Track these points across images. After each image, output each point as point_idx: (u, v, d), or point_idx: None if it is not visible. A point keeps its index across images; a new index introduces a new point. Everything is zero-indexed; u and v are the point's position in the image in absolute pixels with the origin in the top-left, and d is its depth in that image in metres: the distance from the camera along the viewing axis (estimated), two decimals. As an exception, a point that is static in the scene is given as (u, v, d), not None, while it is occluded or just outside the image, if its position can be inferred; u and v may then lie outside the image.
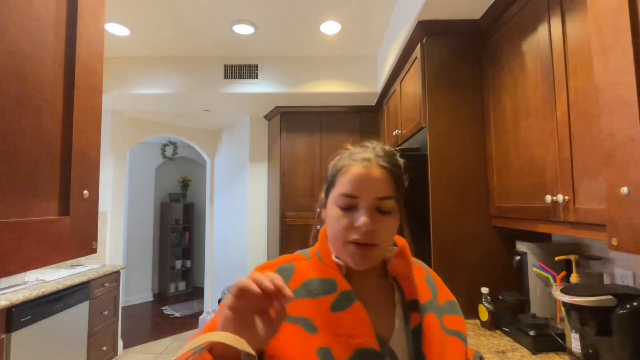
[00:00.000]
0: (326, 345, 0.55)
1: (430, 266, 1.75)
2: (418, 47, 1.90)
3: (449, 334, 0.64)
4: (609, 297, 1.00)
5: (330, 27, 2.56)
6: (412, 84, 2.06)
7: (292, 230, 3.31)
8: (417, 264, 0.74)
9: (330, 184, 0.66)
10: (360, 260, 0.59)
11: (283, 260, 0.67)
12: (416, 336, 0.61)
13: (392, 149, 0.67)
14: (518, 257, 1.54)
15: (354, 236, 0.59)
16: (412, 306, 0.63)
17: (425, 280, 0.71)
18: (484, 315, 1.57)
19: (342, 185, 0.62)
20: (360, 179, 0.60)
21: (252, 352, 0.44)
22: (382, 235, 0.60)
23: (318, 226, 0.71)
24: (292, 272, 0.64)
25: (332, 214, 0.63)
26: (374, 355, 0.56)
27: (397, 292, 0.66)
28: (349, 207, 0.60)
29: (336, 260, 0.64)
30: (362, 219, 0.58)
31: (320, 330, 0.57)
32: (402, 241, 0.69)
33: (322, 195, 0.69)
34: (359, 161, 0.62)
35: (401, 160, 0.66)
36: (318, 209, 0.71)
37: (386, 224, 0.60)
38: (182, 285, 6.17)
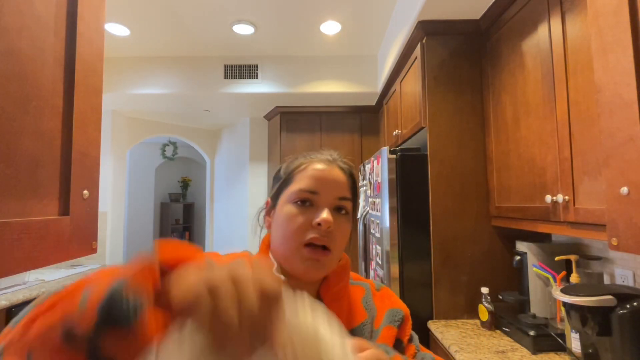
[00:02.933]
0: None
1: (430, 266, 1.77)
2: (418, 47, 1.90)
3: None
4: (609, 297, 1.00)
5: (330, 27, 2.56)
6: (412, 84, 2.06)
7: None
8: (359, 285, 0.67)
9: (284, 183, 0.61)
10: (313, 266, 0.55)
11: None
12: None
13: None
14: (518, 257, 1.54)
15: (311, 235, 0.55)
16: None
17: (363, 301, 0.64)
18: (484, 315, 1.57)
19: (300, 181, 0.58)
20: (322, 174, 0.58)
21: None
22: (338, 240, 0.57)
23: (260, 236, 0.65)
24: None
25: (285, 213, 0.58)
26: None
27: None
28: (307, 204, 0.57)
29: (276, 274, 0.54)
30: (323, 215, 0.55)
31: None
32: (345, 257, 0.64)
33: (269, 199, 0.64)
34: (319, 160, 0.60)
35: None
36: (261, 216, 0.65)
37: (343, 227, 0.58)
38: (182, 285, 6.18)
